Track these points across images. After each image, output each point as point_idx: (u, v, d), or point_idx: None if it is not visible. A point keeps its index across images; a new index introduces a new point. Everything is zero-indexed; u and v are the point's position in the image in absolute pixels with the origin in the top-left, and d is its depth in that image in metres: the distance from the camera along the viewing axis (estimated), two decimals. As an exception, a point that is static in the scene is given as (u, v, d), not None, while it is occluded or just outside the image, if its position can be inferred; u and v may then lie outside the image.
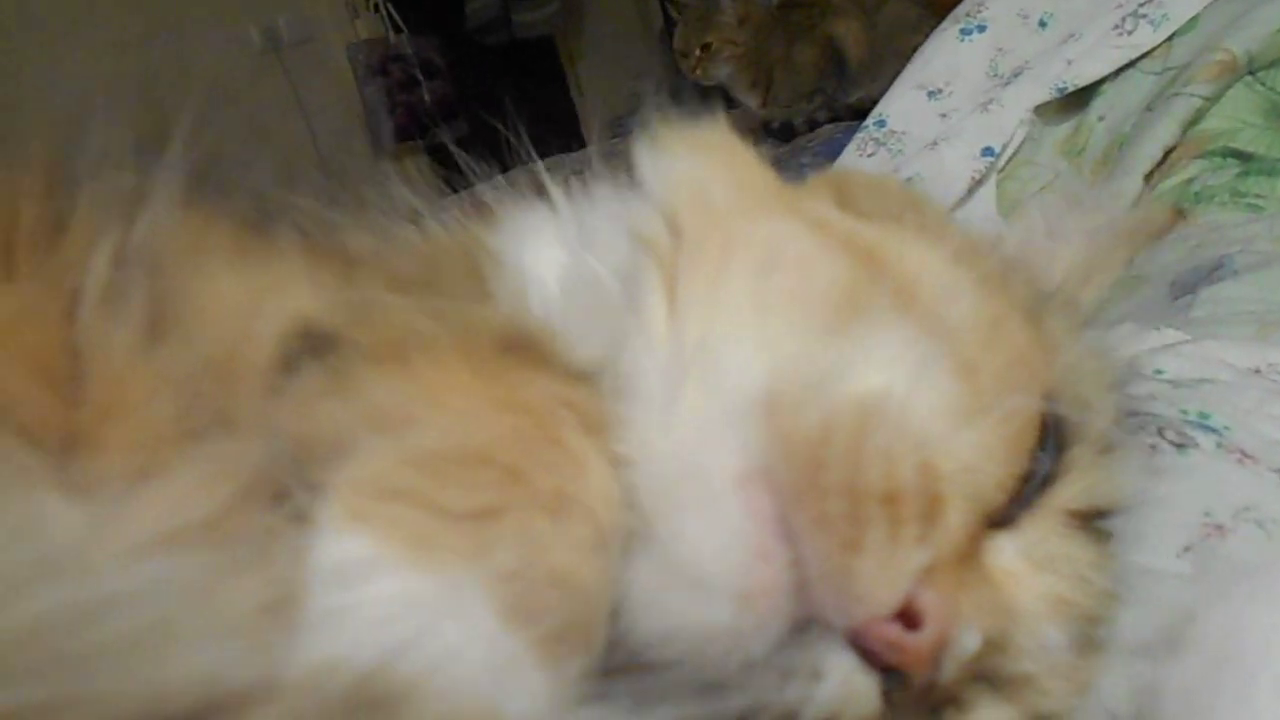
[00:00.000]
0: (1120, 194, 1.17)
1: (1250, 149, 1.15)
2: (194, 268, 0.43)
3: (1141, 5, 1.31)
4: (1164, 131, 1.19)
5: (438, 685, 0.32)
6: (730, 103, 3.14)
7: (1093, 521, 0.46)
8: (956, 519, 0.40)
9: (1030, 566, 0.44)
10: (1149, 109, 1.26)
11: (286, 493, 0.36)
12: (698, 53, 2.99)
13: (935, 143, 1.38)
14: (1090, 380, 0.49)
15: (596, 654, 0.36)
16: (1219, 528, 0.53)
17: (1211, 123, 1.20)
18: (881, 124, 1.51)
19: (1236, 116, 1.18)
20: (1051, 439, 0.45)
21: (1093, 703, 0.46)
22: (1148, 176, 1.19)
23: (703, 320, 0.44)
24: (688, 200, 0.50)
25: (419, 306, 0.43)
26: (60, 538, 0.34)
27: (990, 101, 1.38)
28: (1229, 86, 1.20)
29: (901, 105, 1.52)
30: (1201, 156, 1.17)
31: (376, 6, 4.20)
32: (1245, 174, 1.11)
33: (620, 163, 0.56)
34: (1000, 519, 0.43)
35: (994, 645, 0.41)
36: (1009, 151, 1.35)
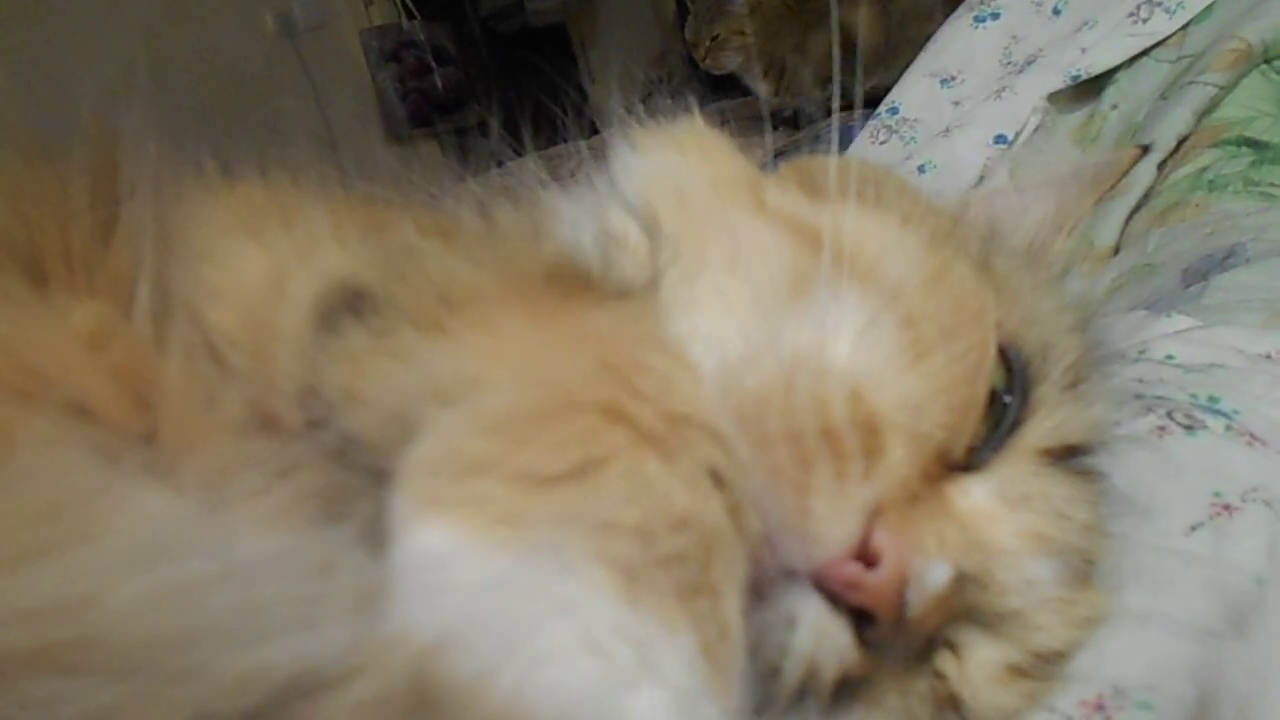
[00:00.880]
0: (1134, 181, 1.17)
1: (1264, 138, 1.14)
2: (215, 246, 0.43)
3: (1157, -7, 1.30)
4: (1178, 120, 1.19)
5: (549, 688, 0.29)
6: (745, 90, 3.14)
7: (1067, 459, 0.48)
8: (900, 454, 0.42)
9: (1004, 505, 0.45)
10: (1163, 97, 1.26)
11: (357, 480, 0.35)
12: (708, 43, 2.98)
13: (948, 130, 1.38)
14: (1051, 323, 0.50)
15: (738, 610, 0.33)
16: (1227, 507, 0.53)
17: (1226, 111, 1.19)
18: (894, 111, 1.51)
19: (1251, 105, 1.18)
20: (1018, 382, 0.47)
21: (1095, 673, 0.47)
22: (1161, 165, 1.18)
23: (683, 319, 0.45)
24: (665, 200, 0.52)
25: (456, 251, 0.41)
26: (158, 521, 0.34)
27: (1003, 89, 1.37)
28: (1244, 75, 1.20)
29: (914, 93, 1.52)
30: (1215, 145, 1.17)
31: (390, -8, 4.21)
32: (1259, 163, 1.11)
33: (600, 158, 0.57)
34: (969, 463, 0.45)
35: (974, 581, 0.42)
36: (1022, 139, 1.35)
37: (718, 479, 0.34)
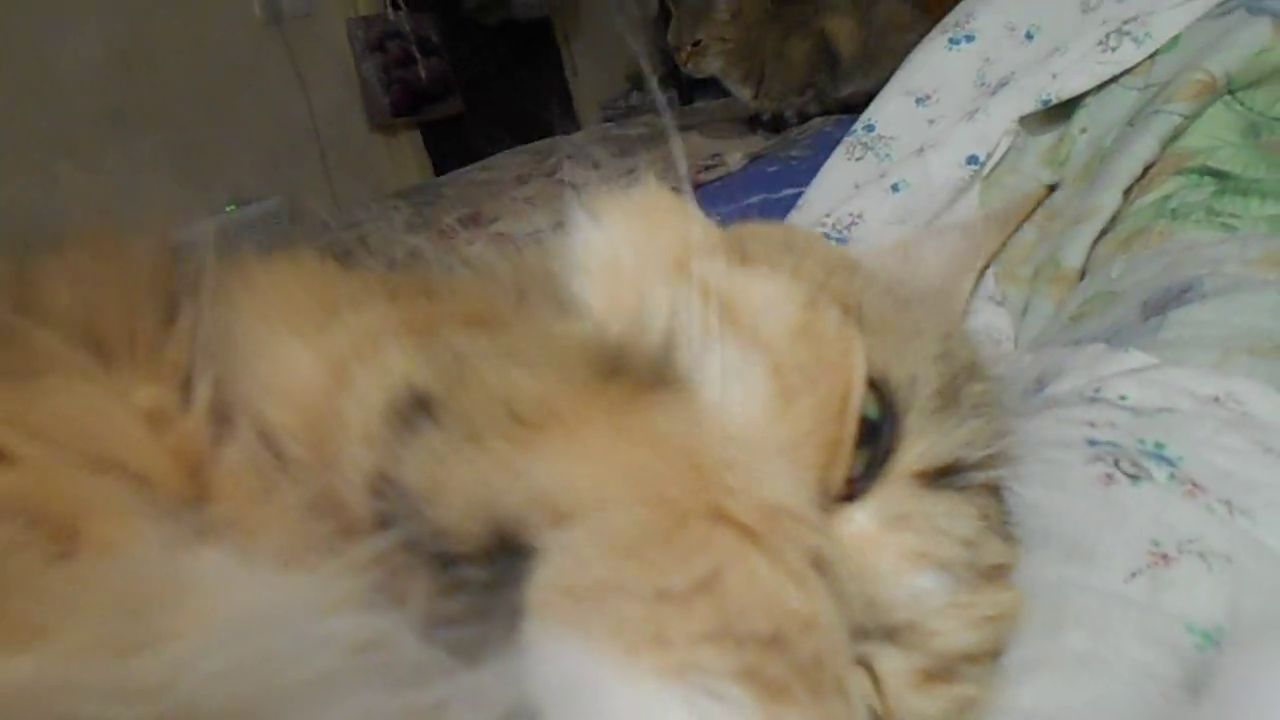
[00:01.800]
0: (1100, 206, 1.21)
1: (1226, 168, 1.17)
2: (267, 345, 0.45)
3: (1126, 23, 1.33)
4: (1144, 147, 1.22)
5: None
6: (725, 91, 3.17)
7: (943, 478, 0.51)
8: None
9: (884, 528, 0.48)
10: (1130, 124, 1.29)
11: (425, 567, 0.36)
12: (689, 48, 3.00)
13: (922, 149, 1.41)
14: (919, 354, 0.53)
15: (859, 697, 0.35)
16: (1164, 556, 0.56)
17: (1190, 140, 1.22)
18: (870, 129, 1.54)
19: (1214, 135, 1.21)
20: (889, 413, 0.50)
21: (1036, 710, 0.51)
22: (1127, 191, 1.22)
23: None
24: (600, 272, 0.55)
25: (503, 350, 0.42)
26: (237, 601, 0.36)
27: (977, 111, 1.40)
28: (1208, 105, 1.23)
29: (890, 111, 1.54)
30: (1180, 173, 1.20)
31: (376, -17, 4.22)
32: (1221, 192, 1.14)
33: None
34: (850, 493, 0.48)
35: (864, 600, 0.45)
36: (993, 160, 1.37)
37: (819, 564, 0.36)
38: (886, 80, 1.61)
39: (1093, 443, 0.66)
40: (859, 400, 0.49)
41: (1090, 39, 1.36)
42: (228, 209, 3.87)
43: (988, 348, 0.70)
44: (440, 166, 4.28)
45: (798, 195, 1.61)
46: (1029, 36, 1.47)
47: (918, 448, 0.50)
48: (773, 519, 0.36)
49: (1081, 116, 1.36)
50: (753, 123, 3.00)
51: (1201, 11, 1.30)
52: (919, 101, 1.52)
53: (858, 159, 1.52)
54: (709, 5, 2.99)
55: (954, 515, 0.50)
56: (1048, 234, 1.32)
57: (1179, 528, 0.58)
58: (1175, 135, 1.23)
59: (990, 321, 1.24)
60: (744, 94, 3.06)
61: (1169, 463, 0.63)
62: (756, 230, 0.65)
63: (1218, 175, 1.18)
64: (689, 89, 4.00)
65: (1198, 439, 0.66)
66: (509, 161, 3.07)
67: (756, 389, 0.47)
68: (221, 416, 0.43)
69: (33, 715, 0.31)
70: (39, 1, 3.37)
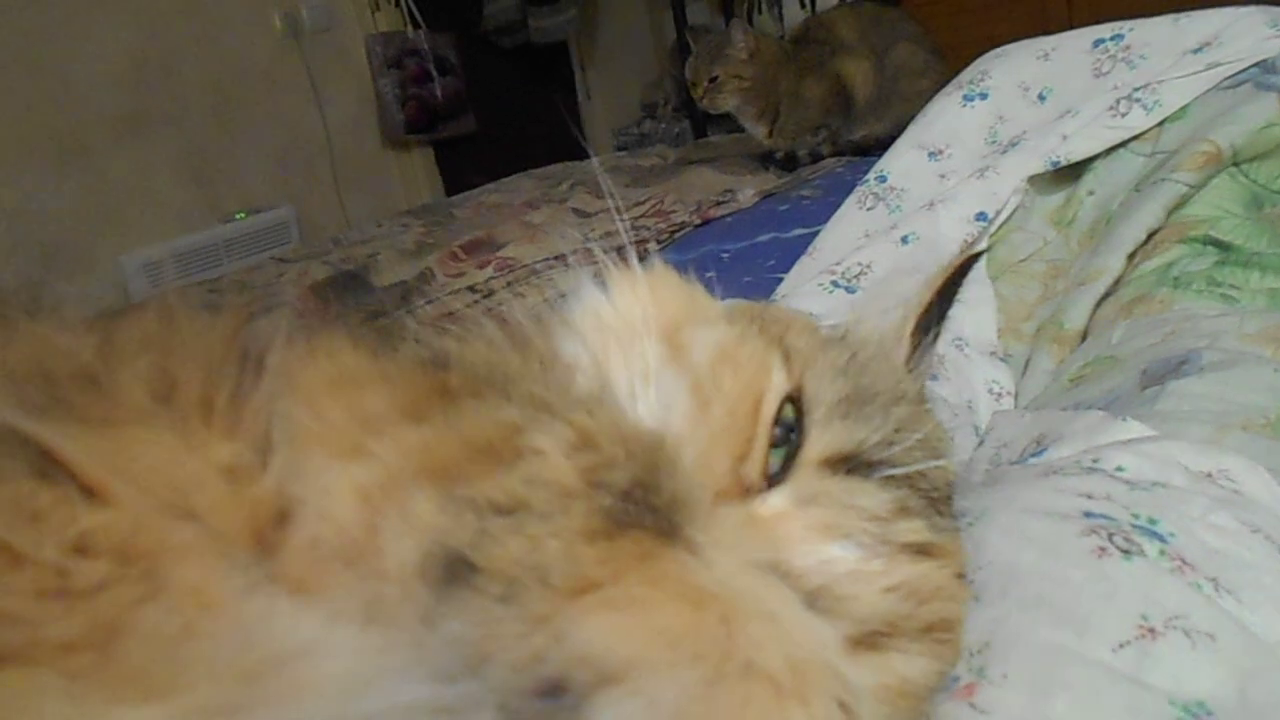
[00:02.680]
0: (1104, 269, 1.24)
1: (1229, 238, 1.20)
2: (310, 461, 0.47)
3: (1136, 90, 1.36)
4: (1149, 214, 1.25)
5: None
6: (739, 126, 3.21)
7: (849, 467, 0.57)
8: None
9: (795, 506, 0.55)
10: (1137, 189, 1.32)
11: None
12: (705, 84, 3.04)
13: (932, 204, 1.44)
14: (827, 373, 0.61)
15: None
16: (1151, 630, 0.59)
17: (1194, 209, 1.25)
18: (883, 179, 1.57)
19: (1219, 205, 1.24)
20: (801, 418, 0.59)
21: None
22: (1131, 255, 1.25)
23: None
24: (591, 329, 0.63)
25: (524, 508, 0.43)
26: (333, 661, 0.39)
27: (987, 168, 1.43)
28: (1213, 176, 1.26)
29: (903, 163, 1.57)
30: (1183, 241, 1.22)
31: (398, 1, 4.26)
32: (1223, 263, 1.17)
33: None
34: (768, 484, 0.56)
35: (780, 570, 0.51)
36: (1002, 218, 1.40)
37: (845, 710, 0.41)
38: (899, 124, 1.63)
39: (1089, 515, 0.68)
40: (772, 406, 0.58)
41: (1101, 103, 1.39)
42: (239, 216, 3.91)
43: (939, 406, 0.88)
44: (451, 184, 4.32)
45: (807, 236, 1.64)
46: (1041, 98, 1.50)
47: (822, 440, 0.58)
48: (799, 672, 0.40)
49: (1089, 179, 1.39)
50: (766, 160, 3.05)
51: (1211, 84, 1.34)
52: (931, 155, 1.56)
53: (869, 209, 1.55)
54: (727, 43, 3.03)
55: (861, 494, 0.56)
56: (1051, 293, 1.35)
57: (1166, 604, 0.60)
58: (1180, 203, 1.26)
59: (991, 375, 1.27)
60: (758, 132, 3.10)
61: (1160, 539, 0.65)
62: (739, 305, 0.75)
63: (1220, 245, 1.21)
64: (703, 122, 4.06)
65: (1190, 516, 0.68)
66: (520, 185, 3.11)
67: (679, 402, 0.57)
68: (290, 488, 0.46)
69: None
70: (59, 7, 3.41)
